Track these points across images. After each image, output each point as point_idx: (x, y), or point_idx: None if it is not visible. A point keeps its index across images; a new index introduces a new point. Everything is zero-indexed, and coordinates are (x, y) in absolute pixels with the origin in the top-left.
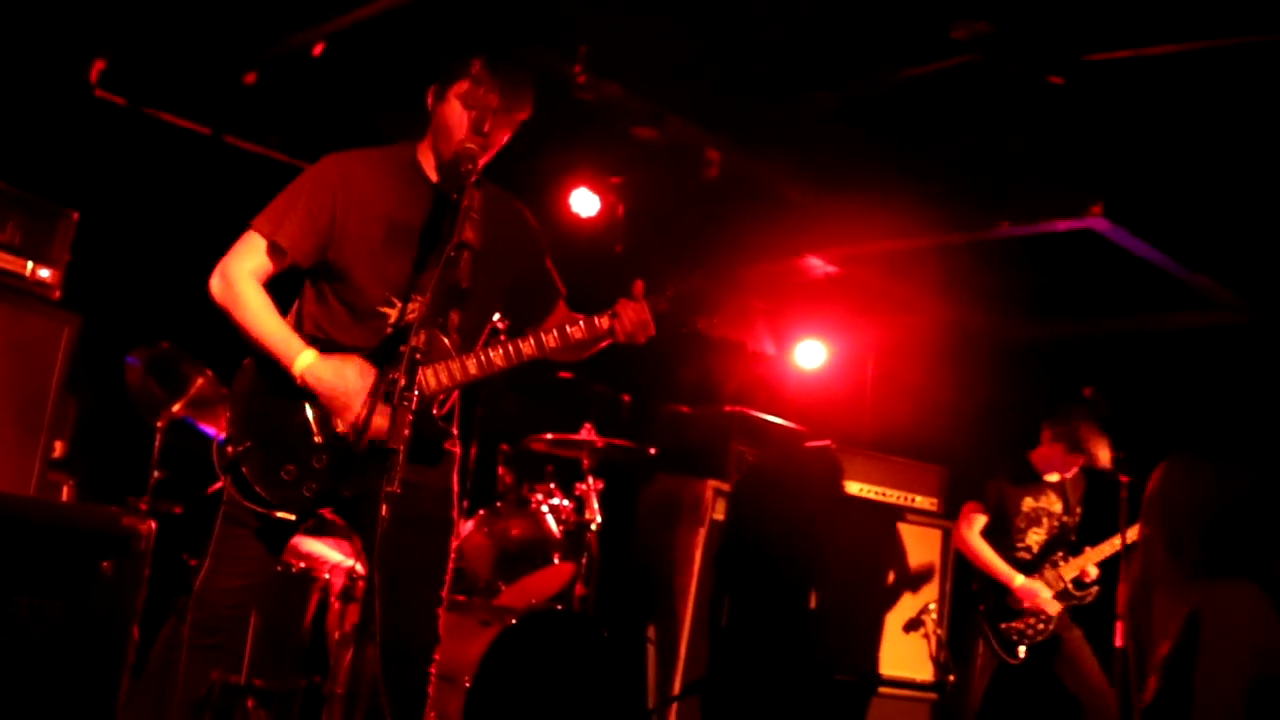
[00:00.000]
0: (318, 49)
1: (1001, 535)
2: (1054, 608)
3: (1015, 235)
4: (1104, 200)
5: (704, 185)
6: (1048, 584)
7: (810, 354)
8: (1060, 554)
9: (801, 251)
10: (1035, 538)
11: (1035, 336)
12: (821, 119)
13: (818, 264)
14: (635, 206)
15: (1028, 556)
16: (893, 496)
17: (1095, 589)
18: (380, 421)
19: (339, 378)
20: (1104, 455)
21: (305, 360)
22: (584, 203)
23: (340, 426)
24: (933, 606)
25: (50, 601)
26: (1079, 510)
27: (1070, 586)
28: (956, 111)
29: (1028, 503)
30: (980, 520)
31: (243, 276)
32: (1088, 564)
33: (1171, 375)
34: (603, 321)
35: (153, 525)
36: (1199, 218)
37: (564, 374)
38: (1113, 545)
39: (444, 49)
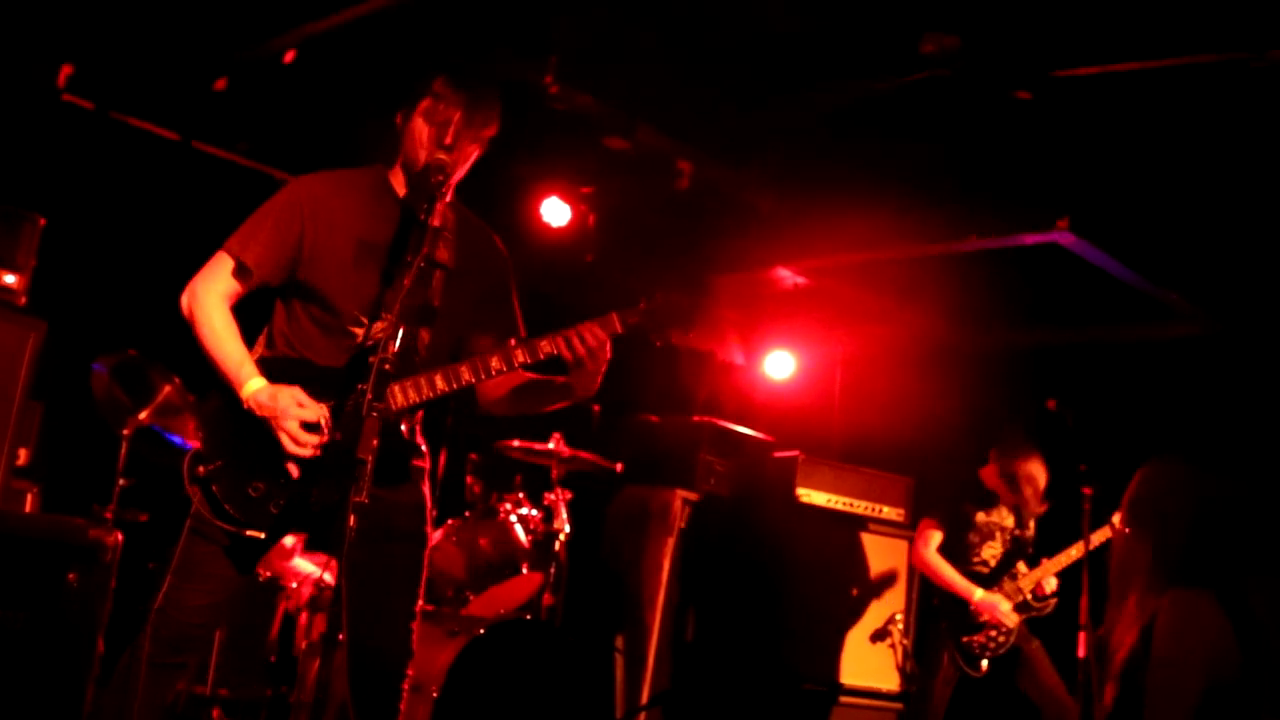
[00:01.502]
0: (289, 56)
1: (958, 550)
2: (1013, 620)
3: (983, 248)
4: (1071, 214)
5: (675, 196)
6: (1007, 596)
7: (779, 364)
8: (1018, 567)
9: (771, 262)
10: (990, 551)
11: (1003, 348)
12: (791, 131)
13: (787, 275)
14: (606, 216)
15: (985, 570)
16: (860, 507)
17: (1054, 600)
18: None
19: (273, 401)
20: (1030, 498)
21: (251, 387)
22: (555, 212)
23: (285, 449)
24: (899, 616)
25: (15, 612)
26: (1031, 524)
27: (1029, 598)
28: (925, 125)
29: (980, 517)
30: (936, 537)
31: (210, 298)
32: (1045, 576)
33: (1136, 387)
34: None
35: (119, 537)
36: (1164, 232)
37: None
38: (1069, 556)
39: (415, 57)
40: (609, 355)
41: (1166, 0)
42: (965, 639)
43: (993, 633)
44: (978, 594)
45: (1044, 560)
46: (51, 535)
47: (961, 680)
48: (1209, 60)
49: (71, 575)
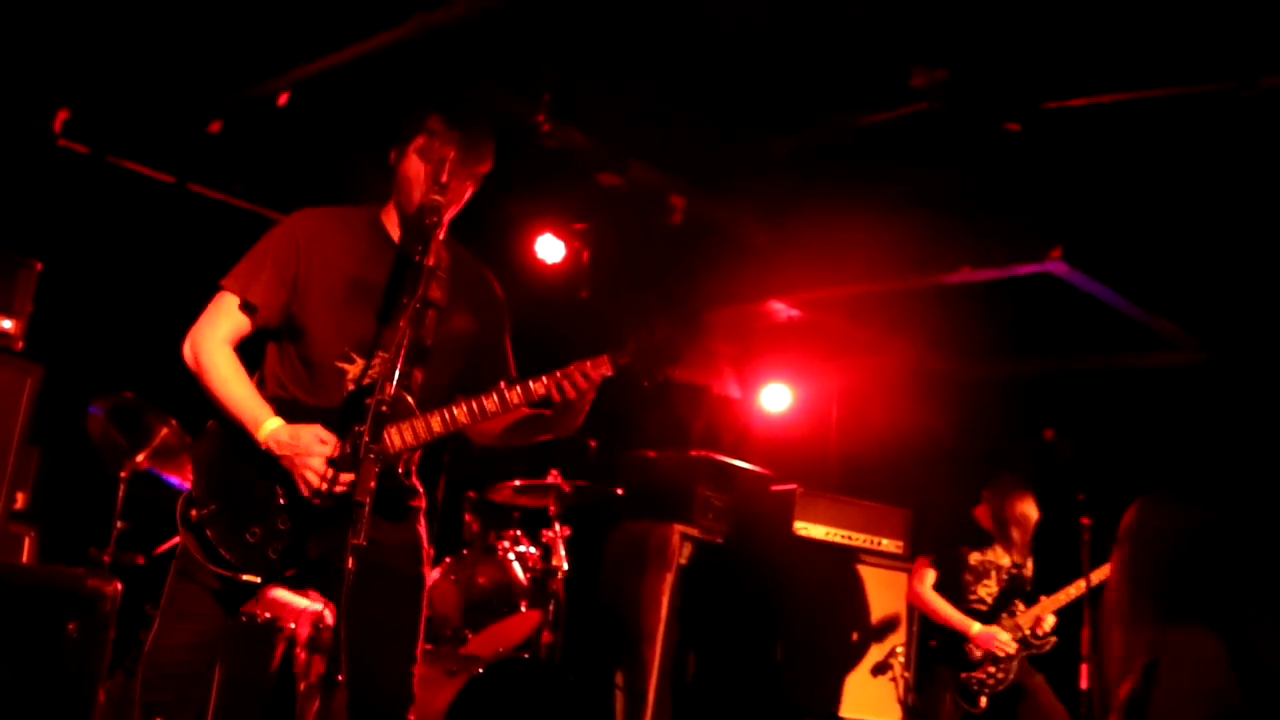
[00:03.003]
0: (283, 98)
1: (954, 590)
2: (1012, 648)
3: (977, 279)
4: (1063, 244)
5: (668, 231)
6: (1005, 632)
7: (775, 397)
8: (1017, 604)
9: (765, 296)
10: (986, 590)
11: (998, 378)
12: (784, 164)
13: (781, 308)
14: (600, 252)
15: (982, 609)
16: (858, 539)
17: (1053, 638)
18: (340, 486)
19: (294, 440)
20: (1017, 539)
21: (269, 427)
22: (549, 249)
23: (301, 489)
24: (900, 649)
25: (14, 663)
26: (1030, 561)
27: (1029, 635)
28: (918, 157)
29: (974, 558)
30: (931, 575)
31: (215, 343)
32: (1044, 613)
33: (1133, 416)
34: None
35: (118, 586)
36: (1158, 261)
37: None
38: (1068, 595)
39: (408, 99)
40: (593, 396)
41: (1156, 30)
42: (964, 675)
43: (991, 669)
44: (975, 627)
45: (1042, 598)
46: (51, 585)
47: (964, 717)
48: (1199, 90)
49: (71, 625)
